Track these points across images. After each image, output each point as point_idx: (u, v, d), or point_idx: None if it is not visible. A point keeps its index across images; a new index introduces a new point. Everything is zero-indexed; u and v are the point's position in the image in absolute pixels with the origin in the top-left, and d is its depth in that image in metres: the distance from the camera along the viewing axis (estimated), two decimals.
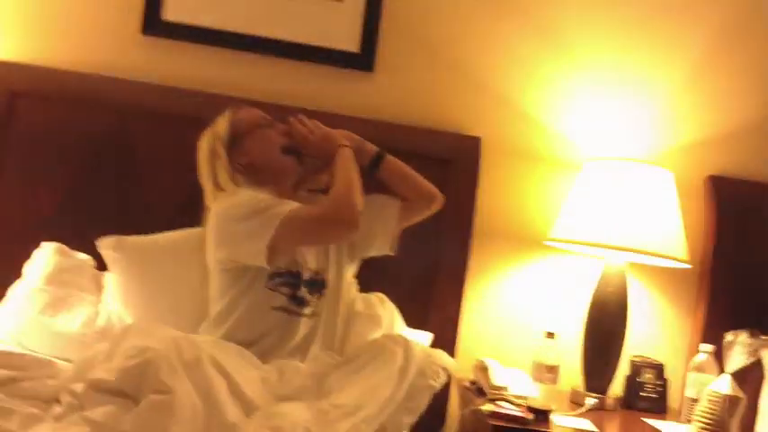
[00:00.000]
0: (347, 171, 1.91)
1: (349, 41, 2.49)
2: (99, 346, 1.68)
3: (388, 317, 2.15)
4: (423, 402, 1.77)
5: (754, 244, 2.53)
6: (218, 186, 1.94)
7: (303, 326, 1.89)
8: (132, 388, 1.43)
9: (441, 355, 1.95)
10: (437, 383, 1.84)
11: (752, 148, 2.63)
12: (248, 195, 1.86)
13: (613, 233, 2.25)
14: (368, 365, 1.76)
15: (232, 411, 1.45)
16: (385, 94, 2.52)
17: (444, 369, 1.90)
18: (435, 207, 2.17)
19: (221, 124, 1.98)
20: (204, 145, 2.01)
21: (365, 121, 2.41)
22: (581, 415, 2.14)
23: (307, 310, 1.92)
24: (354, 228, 1.84)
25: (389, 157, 2.10)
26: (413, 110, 2.52)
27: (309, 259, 1.94)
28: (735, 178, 2.58)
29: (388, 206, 2.09)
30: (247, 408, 1.50)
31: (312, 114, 2.33)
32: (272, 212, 1.78)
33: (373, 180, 2.09)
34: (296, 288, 1.90)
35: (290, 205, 1.82)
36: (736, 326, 2.35)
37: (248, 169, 1.97)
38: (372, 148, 2.10)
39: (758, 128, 2.62)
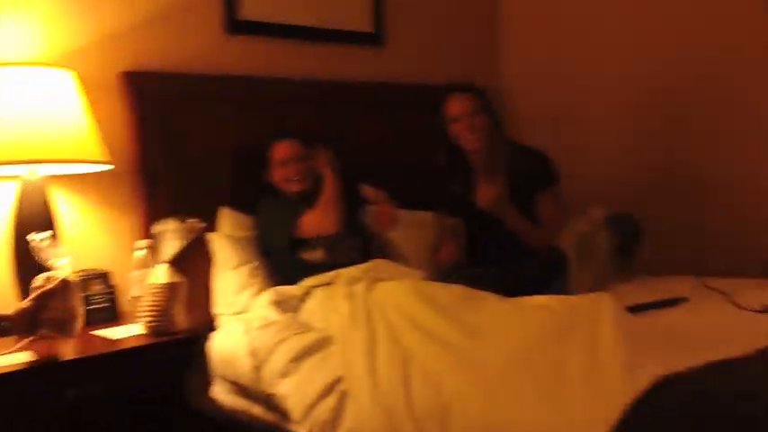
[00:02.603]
0: None
1: None
2: None
3: None
4: None
5: (180, 133, 2.56)
6: None
7: None
8: None
9: None
10: None
11: (163, 40, 2.62)
12: None
13: (20, 146, 2.04)
14: None
15: None
16: None
17: None
18: None
19: None
20: None
21: None
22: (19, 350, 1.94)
23: None
24: None
25: None
26: None
27: None
28: (150, 72, 2.55)
29: None
30: None
31: None
32: None
33: None
34: None
35: None
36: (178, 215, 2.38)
37: None
38: None
39: (167, 18, 2.61)
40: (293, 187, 2.57)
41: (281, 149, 2.58)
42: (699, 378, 1.39)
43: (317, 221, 2.48)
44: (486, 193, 2.50)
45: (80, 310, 2.02)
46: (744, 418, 1.23)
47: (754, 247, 2.82)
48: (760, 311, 1.95)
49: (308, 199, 2.54)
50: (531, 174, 2.60)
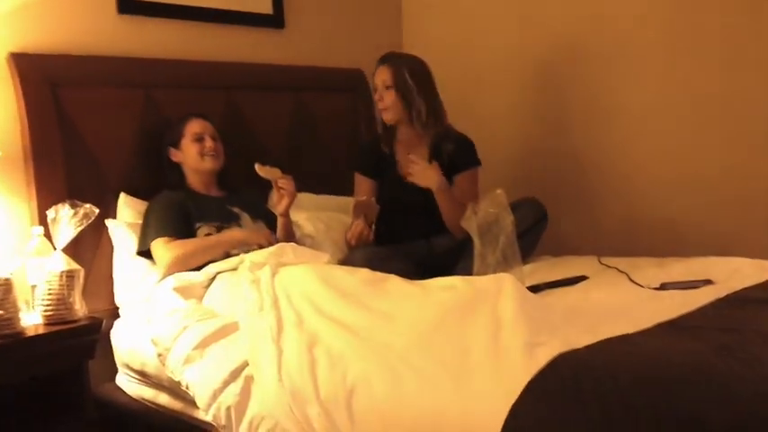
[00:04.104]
0: None
1: None
2: None
3: None
4: None
5: (72, 116, 2.44)
6: None
7: None
8: None
9: None
10: None
11: (54, 20, 2.49)
12: None
13: None
14: None
15: None
16: None
17: None
18: None
19: None
20: None
21: None
22: None
23: None
24: None
25: None
26: None
27: None
28: (39, 53, 2.42)
29: None
30: None
31: None
32: None
33: None
34: None
35: None
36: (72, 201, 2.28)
37: None
38: None
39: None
40: (208, 164, 2.51)
41: (197, 124, 2.53)
42: (597, 354, 1.43)
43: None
44: (409, 163, 2.56)
45: (19, 306, 1.94)
46: (642, 394, 1.27)
47: (647, 230, 2.94)
48: (657, 289, 2.02)
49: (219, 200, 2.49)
50: (454, 155, 2.66)
